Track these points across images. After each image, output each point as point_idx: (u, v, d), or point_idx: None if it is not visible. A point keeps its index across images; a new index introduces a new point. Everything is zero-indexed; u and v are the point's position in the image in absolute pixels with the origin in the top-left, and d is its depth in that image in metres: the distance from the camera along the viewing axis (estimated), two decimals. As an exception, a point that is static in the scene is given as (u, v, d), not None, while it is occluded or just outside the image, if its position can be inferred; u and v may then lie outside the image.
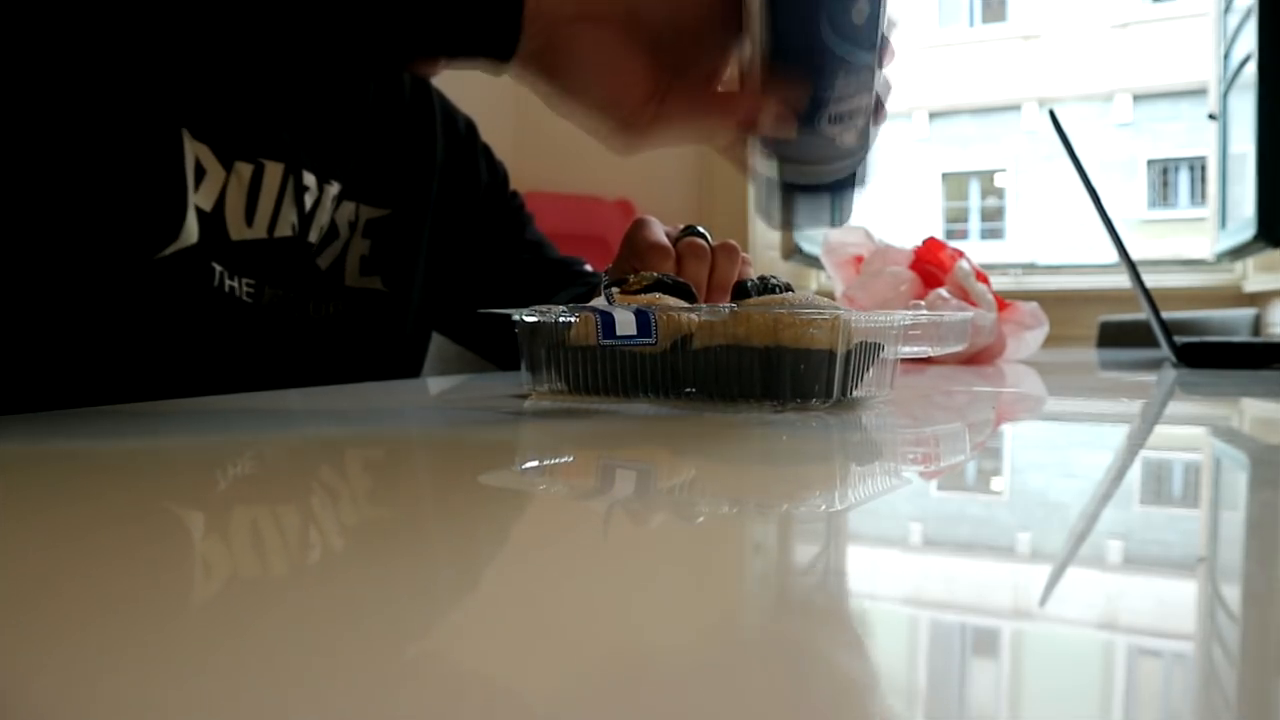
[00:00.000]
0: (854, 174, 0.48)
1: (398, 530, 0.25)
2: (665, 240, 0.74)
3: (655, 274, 0.55)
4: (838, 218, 0.50)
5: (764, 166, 0.48)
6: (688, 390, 0.51)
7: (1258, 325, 2.31)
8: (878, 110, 0.48)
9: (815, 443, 0.41)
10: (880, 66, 0.46)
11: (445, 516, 0.27)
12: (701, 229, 0.76)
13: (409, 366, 0.89)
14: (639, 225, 0.75)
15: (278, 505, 0.28)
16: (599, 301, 0.52)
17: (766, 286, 0.51)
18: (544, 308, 0.52)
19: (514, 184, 0.96)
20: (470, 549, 0.23)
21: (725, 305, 0.48)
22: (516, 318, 0.53)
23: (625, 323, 0.49)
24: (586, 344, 0.50)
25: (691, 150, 2.79)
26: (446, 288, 0.89)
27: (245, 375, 0.69)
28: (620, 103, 0.47)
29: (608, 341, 0.49)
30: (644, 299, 0.52)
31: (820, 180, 0.48)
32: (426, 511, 0.28)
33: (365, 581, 0.20)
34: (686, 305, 0.51)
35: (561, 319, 0.51)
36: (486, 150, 0.94)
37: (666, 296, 0.53)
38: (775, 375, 0.47)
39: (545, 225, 0.97)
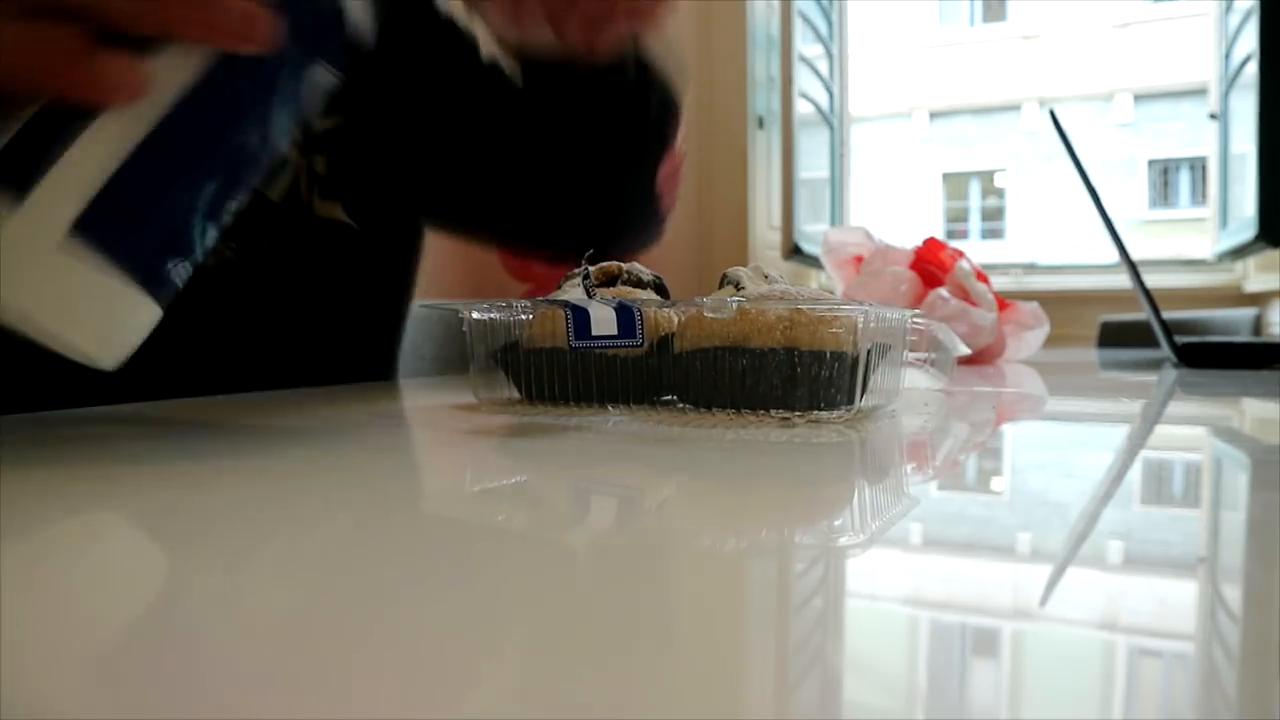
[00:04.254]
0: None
1: (326, 562, 0.25)
2: None
3: (620, 265, 0.48)
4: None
5: None
6: (668, 399, 0.45)
7: (1258, 325, 2.30)
8: None
9: (822, 458, 0.40)
10: None
11: (381, 548, 0.26)
12: None
13: (385, 339, 0.77)
14: None
15: (171, 538, 0.28)
16: (572, 294, 0.45)
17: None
18: (502, 302, 0.45)
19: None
20: (404, 585, 0.23)
21: (731, 299, 0.42)
22: (463, 314, 0.46)
23: (603, 321, 0.41)
24: (551, 345, 0.43)
25: (690, 149, 2.79)
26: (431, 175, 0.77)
27: (196, 343, 0.61)
28: None
29: (580, 344, 0.41)
30: (609, 293, 0.46)
31: None
32: (361, 540, 0.28)
33: (276, 616, 0.20)
34: (663, 301, 0.45)
35: (519, 315, 0.44)
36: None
37: (637, 290, 0.47)
38: (790, 381, 0.41)
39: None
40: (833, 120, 3.68)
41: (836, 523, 0.26)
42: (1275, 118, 2.66)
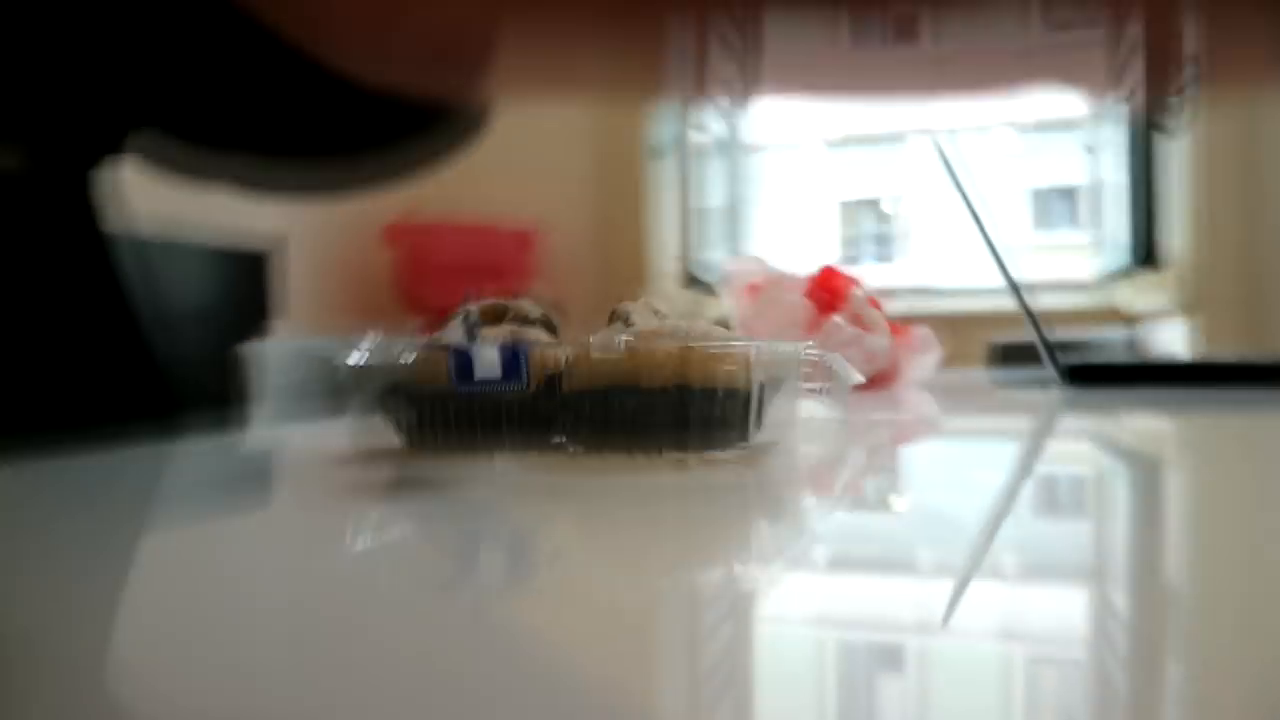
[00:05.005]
0: None
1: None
2: None
3: (507, 301, 0.47)
4: None
5: None
6: (558, 441, 0.43)
7: (1136, 344, 2.41)
8: None
9: (709, 492, 0.40)
10: None
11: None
12: None
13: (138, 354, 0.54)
14: None
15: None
16: (454, 335, 0.43)
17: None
18: (381, 341, 0.43)
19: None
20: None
21: (619, 337, 0.40)
22: (337, 361, 0.43)
23: (487, 362, 0.41)
24: (434, 388, 0.41)
25: (587, 178, 2.80)
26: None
27: None
28: None
29: (464, 388, 0.40)
30: (494, 332, 0.44)
31: None
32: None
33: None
34: (550, 341, 0.44)
35: (400, 358, 0.42)
36: None
37: (526, 329, 0.46)
38: (683, 420, 0.40)
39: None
40: (732, 148, 3.74)
41: (734, 566, 0.26)
42: (1143, 150, 2.83)
